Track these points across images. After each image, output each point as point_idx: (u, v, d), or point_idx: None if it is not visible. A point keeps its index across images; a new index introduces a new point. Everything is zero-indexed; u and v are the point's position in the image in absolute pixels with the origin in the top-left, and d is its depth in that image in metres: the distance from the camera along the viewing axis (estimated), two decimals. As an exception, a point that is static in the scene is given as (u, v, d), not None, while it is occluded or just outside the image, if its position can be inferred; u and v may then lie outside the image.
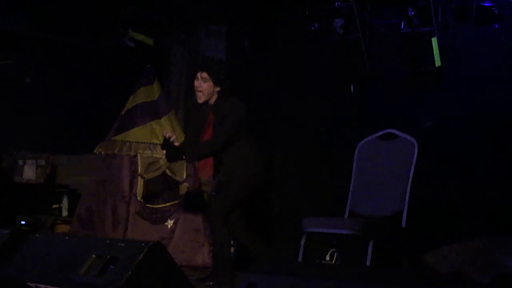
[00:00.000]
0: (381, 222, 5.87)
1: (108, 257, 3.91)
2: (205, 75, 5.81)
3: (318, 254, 6.60)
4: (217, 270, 5.92)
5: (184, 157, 5.96)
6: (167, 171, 7.32)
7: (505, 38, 6.39)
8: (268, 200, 7.45)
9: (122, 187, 7.14)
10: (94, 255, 3.96)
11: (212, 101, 5.84)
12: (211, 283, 5.84)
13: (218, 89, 5.81)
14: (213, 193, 5.86)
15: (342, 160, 6.65)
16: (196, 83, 5.86)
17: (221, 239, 5.81)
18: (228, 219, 5.80)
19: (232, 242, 7.34)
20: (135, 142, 7.22)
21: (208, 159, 5.88)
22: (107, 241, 4.17)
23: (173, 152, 5.88)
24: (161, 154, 7.22)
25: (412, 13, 6.31)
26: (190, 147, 5.93)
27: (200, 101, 5.86)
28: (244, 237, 6.04)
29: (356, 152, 6.33)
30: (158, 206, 7.28)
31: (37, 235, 4.46)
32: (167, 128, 7.31)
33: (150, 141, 7.24)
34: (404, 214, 5.77)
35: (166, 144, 5.82)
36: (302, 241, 5.87)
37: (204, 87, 5.81)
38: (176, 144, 5.83)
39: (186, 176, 7.34)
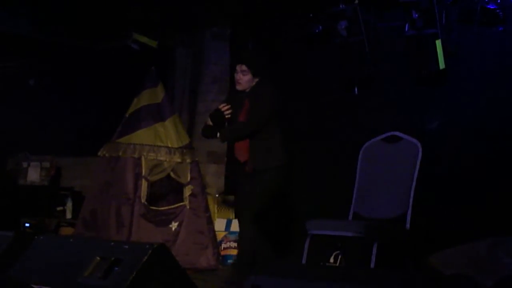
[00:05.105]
0: (385, 224, 5.88)
1: (112, 259, 3.91)
2: (244, 67, 5.96)
3: (322, 256, 6.60)
4: (237, 273, 5.98)
5: (218, 136, 6.06)
6: (171, 174, 7.32)
7: (510, 40, 6.38)
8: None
9: (126, 190, 7.13)
10: (98, 257, 3.96)
11: (249, 89, 5.97)
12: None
13: (257, 79, 5.94)
14: (244, 187, 5.97)
15: (346, 162, 6.65)
16: (236, 76, 6.03)
17: (247, 243, 5.87)
18: (257, 221, 5.88)
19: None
20: (140, 144, 7.21)
21: (244, 143, 5.97)
22: (111, 243, 4.17)
23: (211, 128, 6.02)
24: (165, 156, 7.23)
25: (416, 15, 6.31)
26: (226, 127, 6.03)
27: (239, 89, 6.02)
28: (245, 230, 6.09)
29: (360, 154, 6.33)
30: (162, 208, 7.28)
31: (41, 237, 4.46)
32: (171, 131, 7.32)
33: (154, 143, 7.24)
34: (408, 216, 5.77)
35: (216, 114, 5.98)
36: (306, 243, 5.87)
37: (244, 80, 5.99)
38: (228, 117, 5.99)
39: (190, 178, 7.34)
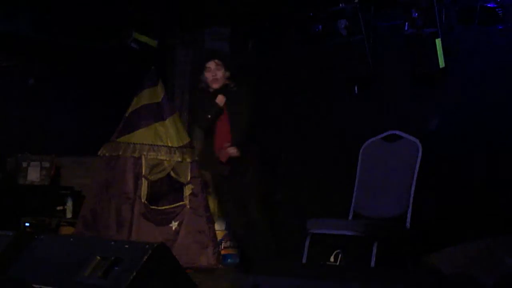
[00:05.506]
0: (386, 224, 5.88)
1: (112, 258, 3.92)
2: (218, 62, 6.07)
3: (322, 255, 6.60)
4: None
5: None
6: (172, 173, 7.30)
7: (509, 39, 6.38)
8: (272, 202, 7.45)
9: (126, 189, 7.12)
10: (98, 257, 3.97)
11: (223, 86, 6.09)
12: None
13: (228, 74, 6.05)
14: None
15: (346, 162, 6.65)
16: (209, 74, 6.09)
17: (265, 237, 5.98)
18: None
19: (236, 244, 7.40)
20: (139, 143, 7.20)
21: (222, 143, 6.18)
22: (112, 243, 4.17)
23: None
24: (165, 156, 7.22)
25: (416, 14, 6.31)
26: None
27: (215, 87, 6.23)
28: (257, 217, 6.17)
29: (360, 153, 6.33)
30: (163, 207, 7.26)
31: (41, 237, 4.46)
32: (171, 130, 7.32)
33: (154, 142, 7.23)
34: (408, 215, 5.78)
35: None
36: (307, 243, 5.88)
37: (220, 75, 6.12)
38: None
39: (191, 178, 7.33)
